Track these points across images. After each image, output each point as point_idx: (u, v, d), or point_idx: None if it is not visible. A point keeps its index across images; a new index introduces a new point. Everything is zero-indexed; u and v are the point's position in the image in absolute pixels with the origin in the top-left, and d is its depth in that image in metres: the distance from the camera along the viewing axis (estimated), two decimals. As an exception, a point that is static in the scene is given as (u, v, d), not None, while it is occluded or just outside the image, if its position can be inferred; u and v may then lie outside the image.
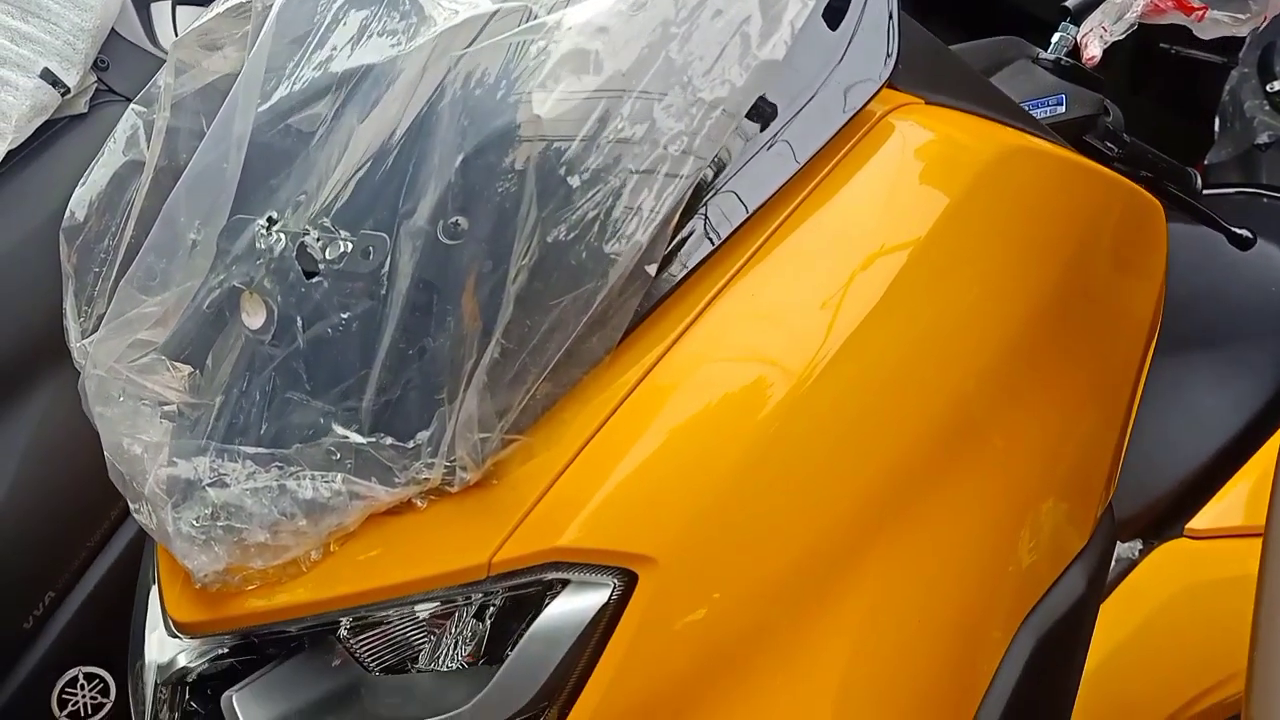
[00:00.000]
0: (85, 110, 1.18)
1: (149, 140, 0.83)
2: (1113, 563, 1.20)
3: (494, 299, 0.59)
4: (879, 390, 0.68)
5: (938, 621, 0.71)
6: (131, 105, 0.85)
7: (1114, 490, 0.84)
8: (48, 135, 1.15)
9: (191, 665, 0.70)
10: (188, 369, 0.72)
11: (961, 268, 0.71)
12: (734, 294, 0.65)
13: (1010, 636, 0.74)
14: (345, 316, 0.61)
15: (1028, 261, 0.73)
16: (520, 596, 0.63)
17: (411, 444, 0.61)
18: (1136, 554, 1.20)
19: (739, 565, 0.65)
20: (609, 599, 0.62)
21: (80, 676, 1.10)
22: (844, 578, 0.67)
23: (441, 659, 0.68)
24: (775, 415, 0.65)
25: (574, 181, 0.58)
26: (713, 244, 0.63)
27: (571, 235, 0.58)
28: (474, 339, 0.60)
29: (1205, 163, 1.61)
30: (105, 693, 1.11)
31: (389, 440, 0.61)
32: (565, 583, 0.63)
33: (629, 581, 0.63)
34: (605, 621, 0.62)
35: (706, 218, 0.62)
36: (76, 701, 1.10)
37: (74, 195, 0.81)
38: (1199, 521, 1.21)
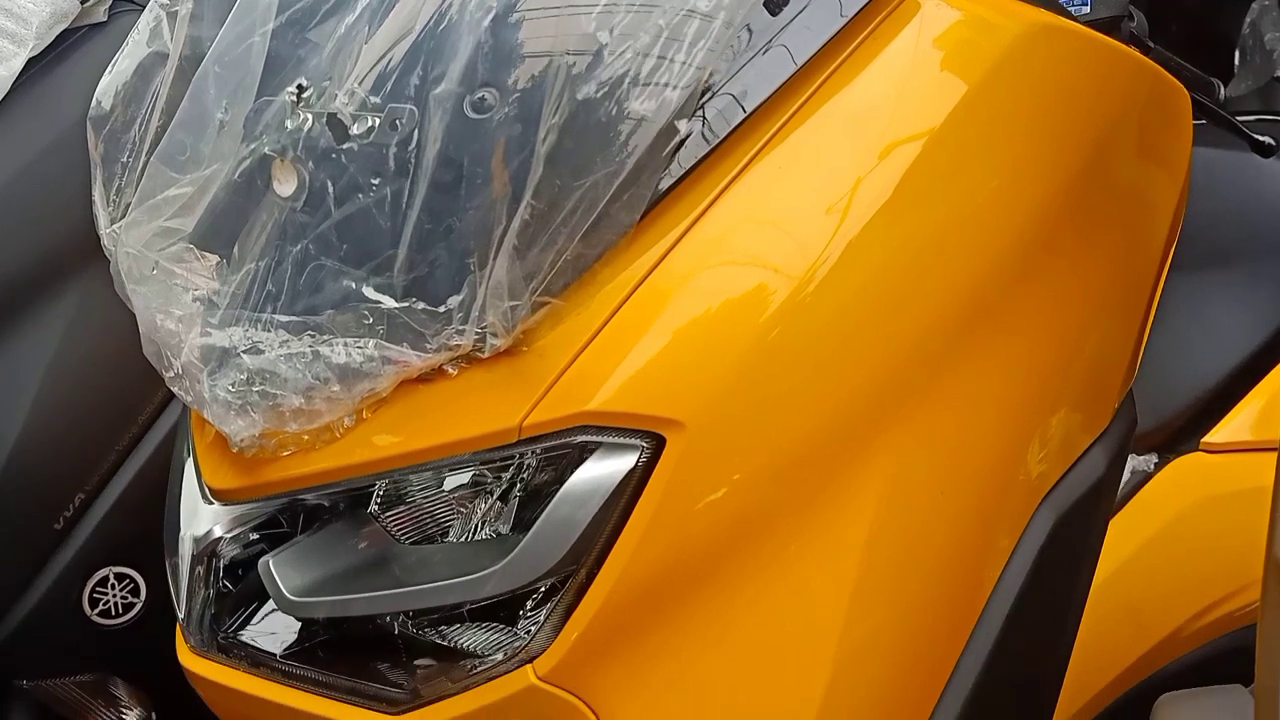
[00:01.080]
0: (104, 19, 1.18)
1: (172, 31, 0.83)
2: (1128, 475, 1.21)
3: (523, 162, 0.60)
4: (902, 270, 0.68)
5: (958, 496, 0.72)
6: (154, -3, 0.85)
7: (1135, 378, 0.85)
8: (68, 43, 1.15)
9: (226, 535, 0.71)
10: (215, 258, 0.73)
11: (986, 147, 0.71)
12: (761, 169, 0.66)
13: (1030, 514, 0.75)
14: (376, 184, 0.62)
15: (1054, 142, 0.73)
16: (549, 463, 0.65)
17: (443, 309, 0.62)
18: (1151, 467, 1.21)
19: (764, 433, 0.66)
20: (637, 462, 0.63)
21: (111, 576, 1.12)
22: (867, 449, 0.68)
23: (470, 535, 0.70)
24: (800, 291, 0.65)
25: (604, 38, 0.58)
26: (742, 113, 0.63)
27: (601, 92, 0.58)
28: (503, 204, 0.61)
29: (1225, 97, 1.60)
30: (135, 593, 1.13)
31: (421, 305, 0.62)
32: (594, 447, 0.64)
33: (656, 446, 0.64)
34: (633, 485, 0.64)
35: (745, 86, 0.62)
36: (107, 601, 1.13)
37: (99, 85, 0.82)
38: (1215, 436, 1.22)
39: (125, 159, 0.80)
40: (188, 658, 0.74)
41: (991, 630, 0.75)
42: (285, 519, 0.73)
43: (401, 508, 0.70)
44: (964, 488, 0.73)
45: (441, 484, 0.69)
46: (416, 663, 0.69)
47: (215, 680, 0.72)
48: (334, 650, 0.71)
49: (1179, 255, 0.98)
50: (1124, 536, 1.15)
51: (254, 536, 0.74)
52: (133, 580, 1.13)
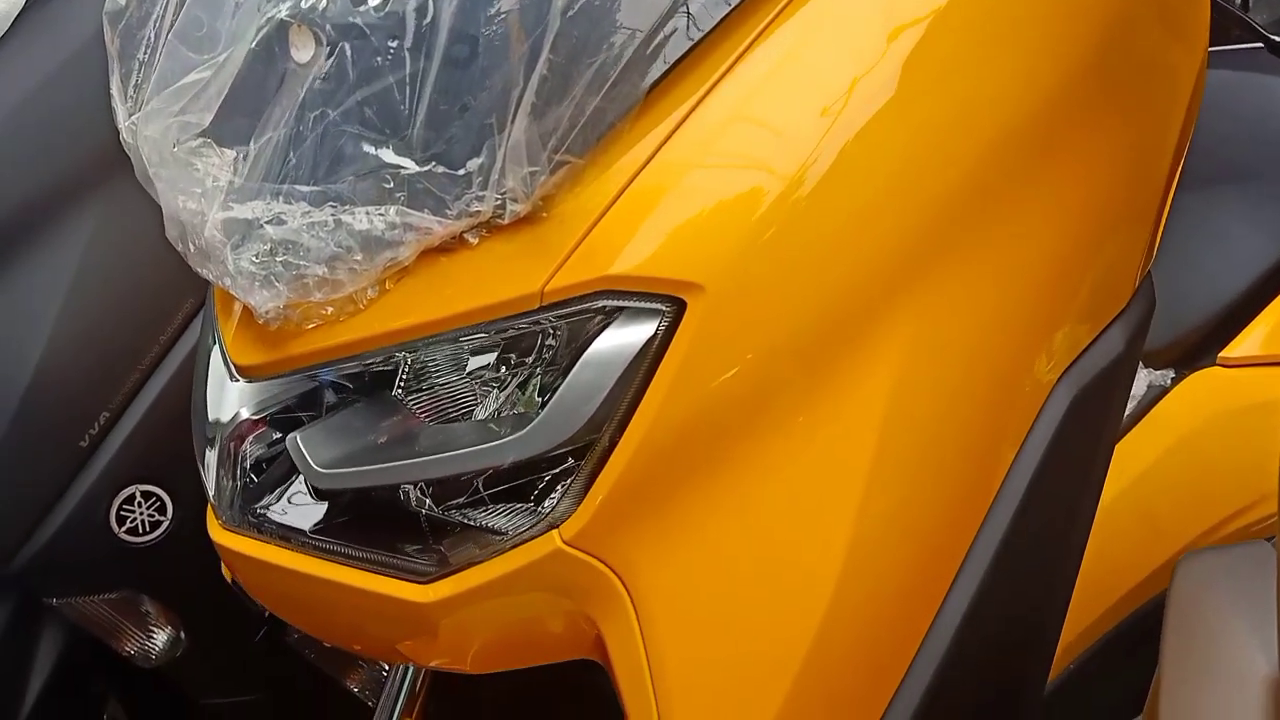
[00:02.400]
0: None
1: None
2: (1144, 390, 1.21)
3: (540, 19, 0.60)
4: (925, 141, 0.68)
5: (976, 371, 0.73)
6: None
7: (1153, 258, 0.85)
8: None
9: (253, 416, 0.72)
10: (234, 153, 0.73)
11: (1010, 12, 0.71)
12: (784, 33, 0.65)
13: (1049, 389, 0.76)
14: (393, 48, 0.62)
15: (1073, 14, 0.73)
16: (570, 331, 0.65)
17: (462, 172, 0.62)
18: (1168, 382, 1.21)
19: (783, 299, 0.66)
20: (658, 327, 0.64)
21: (137, 494, 1.14)
22: (886, 321, 0.69)
23: (495, 415, 0.71)
24: (819, 160, 0.65)
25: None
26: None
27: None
28: (521, 64, 0.61)
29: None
30: (162, 511, 1.15)
31: (441, 169, 0.62)
32: (616, 313, 0.64)
33: (677, 312, 0.64)
34: (655, 349, 0.64)
35: None
36: (135, 519, 1.14)
37: (115, -21, 0.82)
38: (1232, 350, 1.22)
39: (141, 55, 0.81)
40: (218, 534, 0.75)
41: (1009, 507, 0.76)
42: (310, 405, 0.74)
43: (425, 390, 0.71)
44: (982, 363, 0.73)
45: (464, 365, 0.70)
46: (444, 540, 0.70)
47: (246, 554, 0.73)
48: (361, 530, 0.72)
49: (1194, 171, 0.97)
50: (1140, 450, 1.16)
51: (277, 436, 0.75)
52: (159, 498, 1.14)
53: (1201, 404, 1.19)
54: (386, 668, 1.15)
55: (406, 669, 0.92)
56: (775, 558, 0.69)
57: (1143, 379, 1.20)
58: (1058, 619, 0.87)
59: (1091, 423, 0.80)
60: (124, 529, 1.14)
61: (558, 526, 0.66)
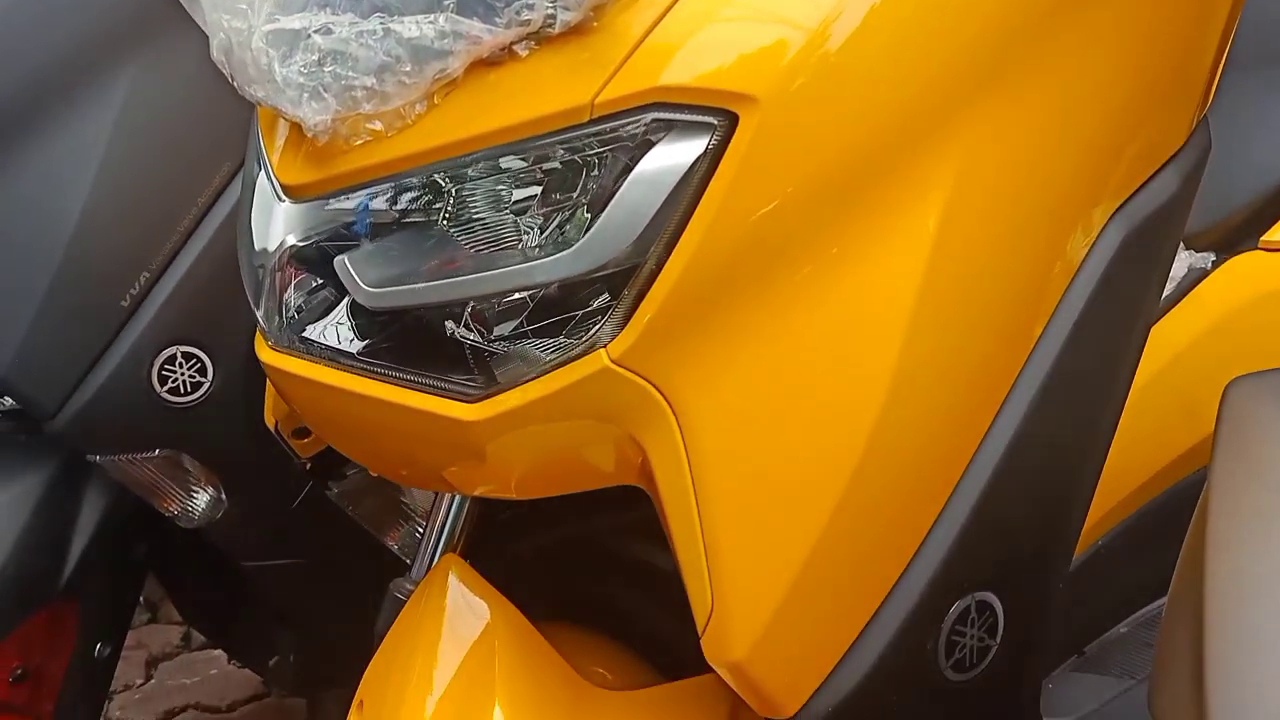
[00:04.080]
0: None
1: None
2: (1184, 272, 1.20)
3: None
4: None
5: (1029, 202, 0.72)
6: None
7: (1210, 102, 0.83)
8: None
9: (299, 243, 0.73)
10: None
11: None
12: None
13: (1100, 227, 0.75)
14: None
15: None
16: (620, 149, 0.65)
17: (514, -24, 0.62)
18: (1209, 265, 1.20)
19: (836, 118, 0.66)
20: (709, 142, 0.63)
21: (178, 355, 1.15)
22: (939, 143, 0.68)
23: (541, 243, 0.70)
24: None
25: None
26: None
27: None
28: None
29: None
30: (203, 372, 1.16)
31: (492, -28, 0.62)
32: (667, 129, 0.64)
33: (729, 127, 0.64)
34: (706, 166, 0.64)
35: None
36: (176, 379, 1.15)
37: None
38: (1274, 234, 1.21)
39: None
40: (266, 354, 0.75)
41: (1054, 344, 0.75)
42: (355, 236, 0.74)
43: (470, 222, 0.71)
44: (1033, 197, 0.72)
45: (510, 197, 0.70)
46: (490, 361, 0.70)
47: (294, 373, 0.73)
48: (409, 353, 0.72)
49: (1241, 55, 0.95)
50: (1178, 332, 1.15)
51: (323, 265, 0.75)
52: (200, 360, 1.15)
53: (1241, 287, 1.19)
54: (421, 530, 1.17)
55: (447, 514, 0.93)
56: (821, 384, 0.69)
57: (1183, 261, 1.19)
58: (1093, 473, 0.87)
59: (1142, 262, 0.79)
60: (165, 388, 1.15)
61: (604, 346, 0.67)
